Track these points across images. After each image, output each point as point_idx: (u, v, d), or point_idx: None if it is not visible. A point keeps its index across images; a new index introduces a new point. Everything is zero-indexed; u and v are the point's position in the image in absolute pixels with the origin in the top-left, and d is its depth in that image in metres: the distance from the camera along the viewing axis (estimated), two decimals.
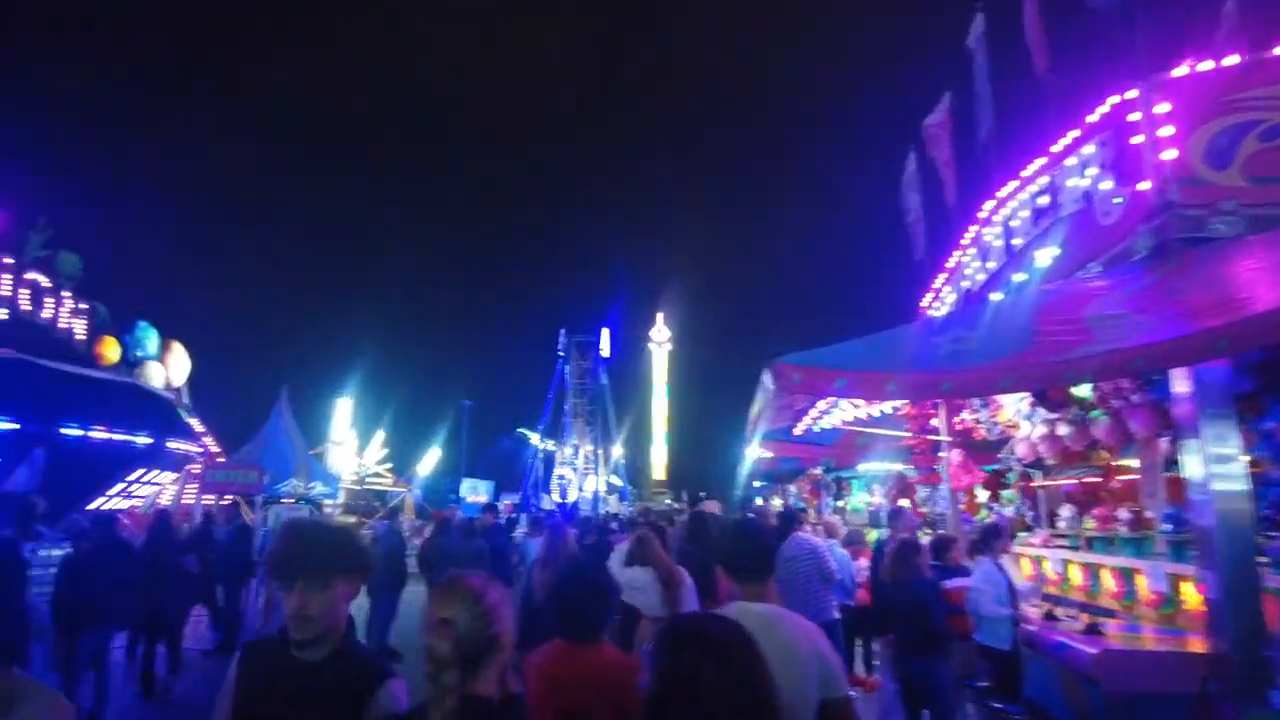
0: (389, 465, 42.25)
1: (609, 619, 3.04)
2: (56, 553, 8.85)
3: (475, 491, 52.13)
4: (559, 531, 7.61)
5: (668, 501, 50.70)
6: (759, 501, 20.56)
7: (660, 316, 69.90)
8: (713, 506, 10.96)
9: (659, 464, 67.40)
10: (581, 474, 56.69)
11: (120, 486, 15.54)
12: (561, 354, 57.47)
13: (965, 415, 10.10)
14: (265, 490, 13.66)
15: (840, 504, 17.49)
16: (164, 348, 22.57)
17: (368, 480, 40.94)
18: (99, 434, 13.69)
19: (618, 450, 61.71)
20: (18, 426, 12.29)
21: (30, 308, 17.87)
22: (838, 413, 8.31)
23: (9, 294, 17.24)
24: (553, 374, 57.63)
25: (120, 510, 16.06)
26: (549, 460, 57.80)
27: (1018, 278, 7.87)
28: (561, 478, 55.84)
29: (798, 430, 8.79)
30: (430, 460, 44.88)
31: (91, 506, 14.48)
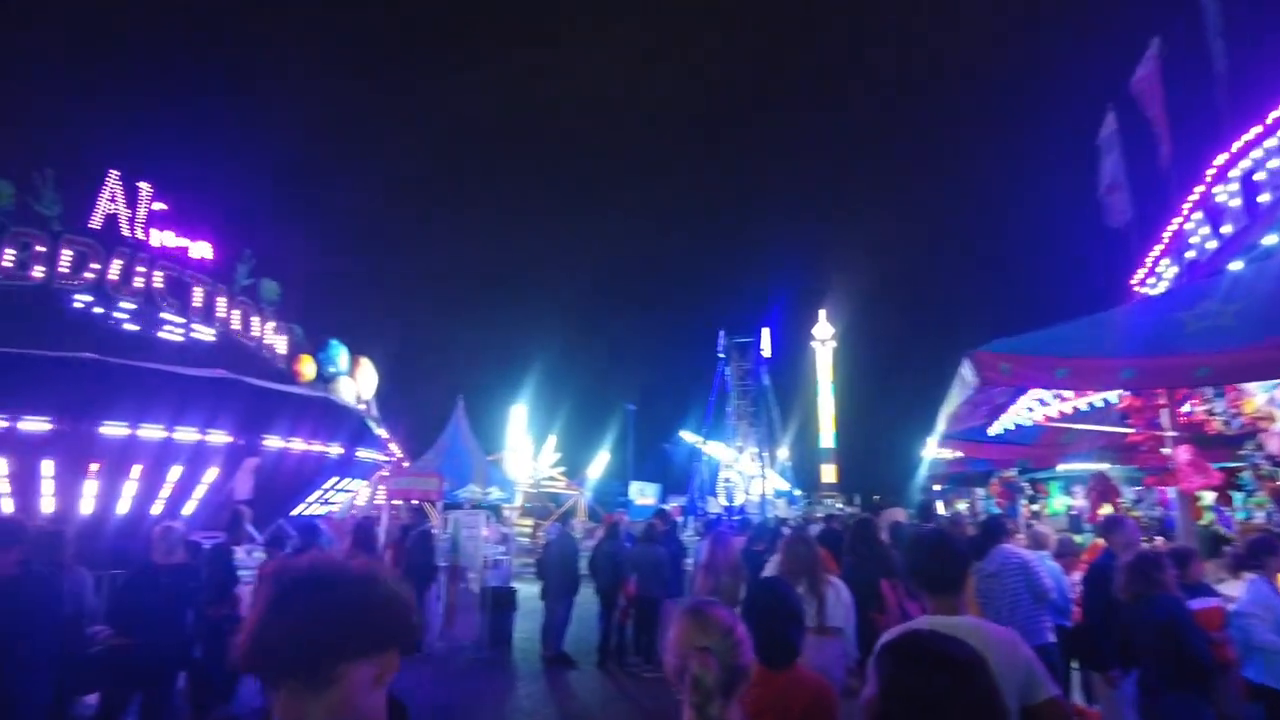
0: (561, 469, 43.48)
1: (803, 639, 2.88)
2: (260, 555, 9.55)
3: (643, 494, 52.72)
4: (722, 539, 7.57)
5: (839, 506, 49.10)
6: (941, 507, 19.12)
7: (823, 313, 67.86)
8: (897, 514, 10.14)
9: (828, 466, 65.25)
10: (747, 477, 55.86)
11: (317, 494, 16.73)
12: (721, 355, 57.04)
13: (1194, 406, 8.67)
14: (445, 496, 14.18)
15: (1035, 508, 15.91)
16: (353, 363, 24.33)
17: (542, 484, 42.34)
18: (298, 446, 14.75)
19: (783, 452, 60.39)
20: (231, 439, 13.42)
21: (239, 330, 19.78)
22: (1041, 407, 7.29)
23: (223, 318, 19.14)
24: (713, 376, 57.37)
25: (319, 516, 17.35)
26: (714, 463, 57.51)
27: (1269, 240, 6.57)
28: (727, 481, 55.32)
29: (993, 430, 7.82)
30: (599, 464, 45.90)
31: (293, 513, 15.68)
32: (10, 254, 14.90)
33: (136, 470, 12.82)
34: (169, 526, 6.19)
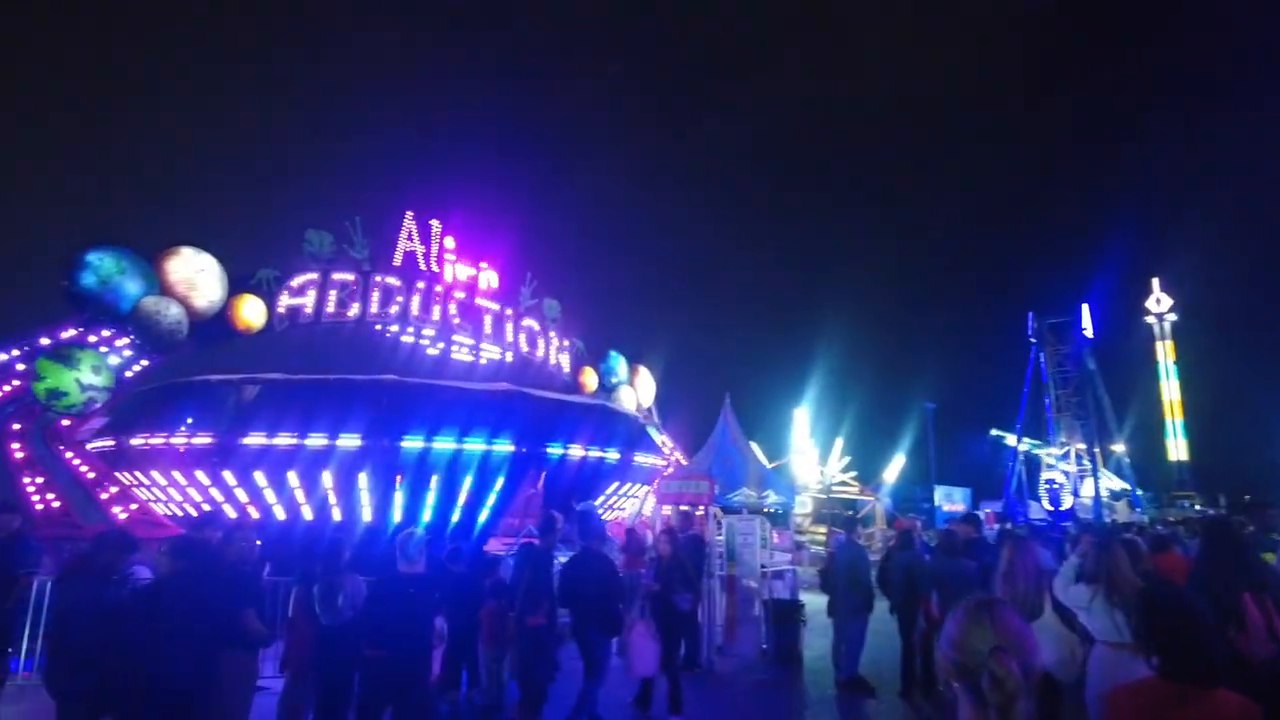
0: (852, 474, 41.15)
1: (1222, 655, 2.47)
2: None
3: (950, 500, 48.36)
4: (1023, 545, 6.17)
5: (1196, 506, 41.13)
6: None
7: (1155, 282, 57.48)
8: None
9: (1177, 460, 54.88)
10: (1075, 477, 48.73)
11: (600, 500, 16.89)
12: (1033, 340, 50.52)
13: None
14: (717, 500, 13.38)
15: None
16: (632, 372, 24.78)
17: (833, 489, 40.38)
18: (576, 452, 14.91)
19: (1118, 447, 51.85)
20: (513, 448, 13.87)
21: (527, 349, 20.93)
22: None
23: (511, 340, 20.38)
24: (1025, 365, 51.01)
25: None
26: (1032, 463, 51.15)
27: None
28: (1050, 482, 48.71)
29: None
30: (895, 467, 42.69)
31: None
32: (333, 295, 16.99)
33: (434, 481, 13.68)
34: (410, 534, 5.94)
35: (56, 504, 13.05)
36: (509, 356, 20.37)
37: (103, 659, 4.28)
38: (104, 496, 13.68)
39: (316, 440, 13.02)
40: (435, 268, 19.15)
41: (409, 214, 18.84)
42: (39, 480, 12.98)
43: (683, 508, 13.55)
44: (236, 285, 15.67)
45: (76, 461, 13.66)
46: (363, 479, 13.36)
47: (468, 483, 14.04)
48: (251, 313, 15.74)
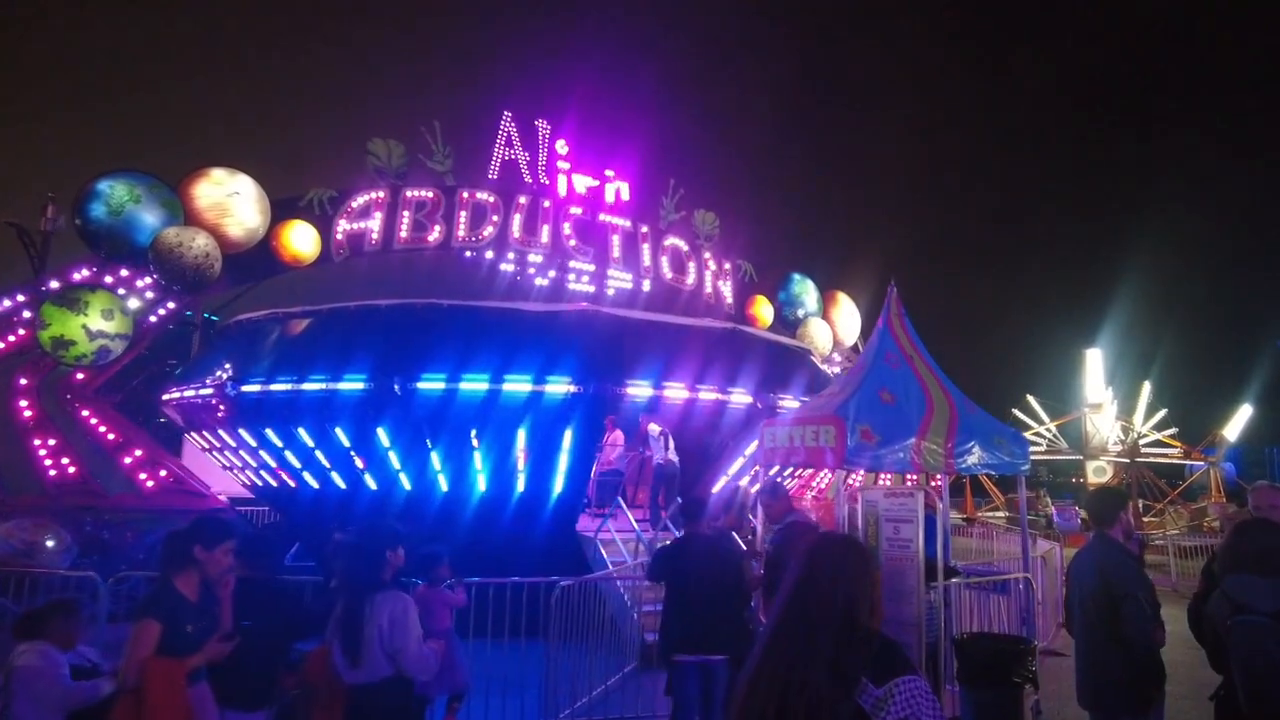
0: (1171, 431, 31.17)
1: None
2: None
3: None
4: None
5: None
6: None
7: None
8: None
9: None
10: None
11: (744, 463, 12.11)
12: None
13: None
14: (850, 459, 8.01)
15: None
16: (826, 301, 19.24)
17: (1143, 452, 30.87)
18: (677, 394, 10.26)
19: None
20: (571, 388, 9.65)
21: (671, 274, 16.48)
22: None
23: (649, 264, 16.07)
24: None
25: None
26: None
27: None
28: None
29: None
30: (1237, 422, 31.53)
31: (717, 488, 11.27)
32: (406, 217, 13.83)
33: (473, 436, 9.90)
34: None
35: (72, 470, 11.17)
36: (646, 284, 16.06)
37: None
38: (127, 461, 11.65)
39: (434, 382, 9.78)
40: (545, 180, 15.38)
41: (506, 115, 15.22)
42: (51, 443, 11.17)
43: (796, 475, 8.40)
44: (283, 211, 13.05)
45: (94, 421, 11.76)
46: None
47: (521, 437, 10.06)
48: (301, 241, 13.00)
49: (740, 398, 10.87)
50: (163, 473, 11.85)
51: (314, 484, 11.20)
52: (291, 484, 11.45)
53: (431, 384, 9.63)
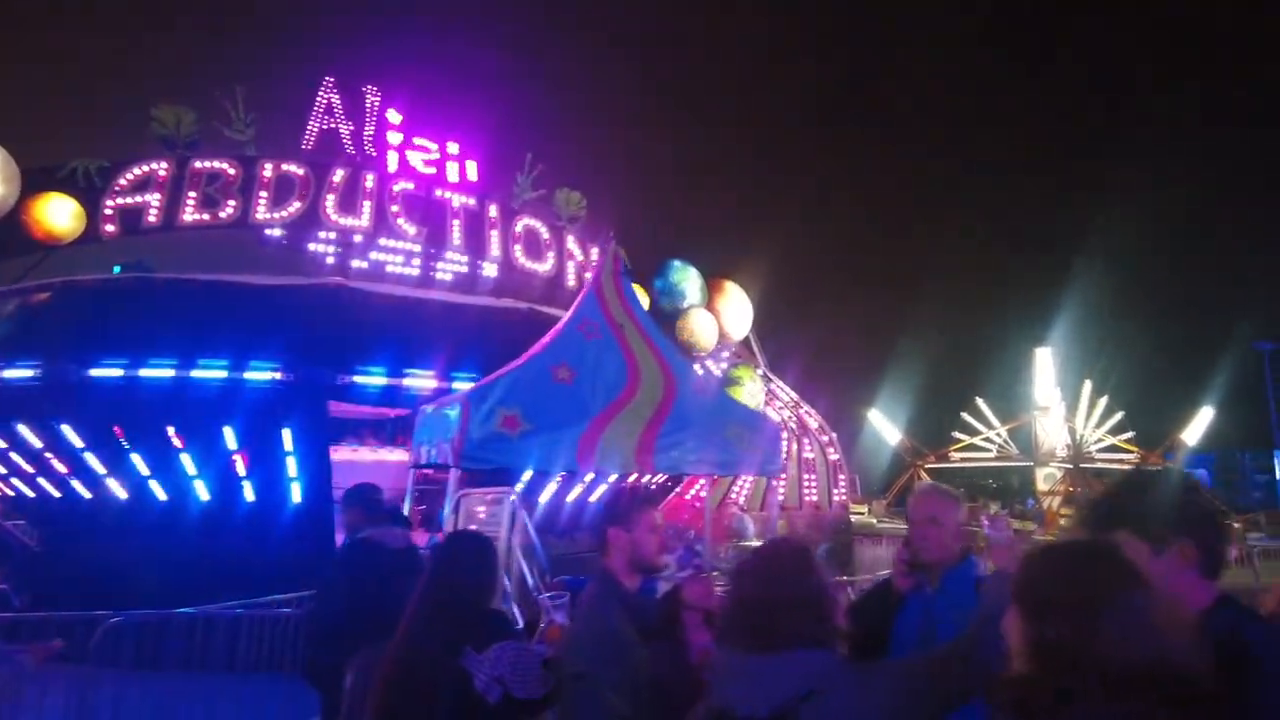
0: (1126, 436, 29.53)
1: None
2: None
3: None
4: None
5: None
6: None
7: None
8: None
9: None
10: None
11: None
12: None
13: None
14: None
15: None
16: (712, 290, 17.70)
17: (1096, 455, 29.24)
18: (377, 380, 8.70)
19: None
20: (273, 375, 8.07)
21: (526, 261, 14.96)
22: None
23: (499, 252, 14.53)
24: None
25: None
26: None
27: None
28: None
29: None
30: (1198, 425, 29.78)
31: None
32: (193, 193, 12.28)
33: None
34: None
35: None
36: (490, 270, 14.51)
37: None
38: None
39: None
40: (372, 152, 13.86)
41: (327, 80, 13.71)
42: None
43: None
44: (39, 181, 11.51)
45: None
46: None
47: (229, 435, 8.49)
48: (58, 216, 11.44)
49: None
50: None
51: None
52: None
53: (108, 371, 8.07)
